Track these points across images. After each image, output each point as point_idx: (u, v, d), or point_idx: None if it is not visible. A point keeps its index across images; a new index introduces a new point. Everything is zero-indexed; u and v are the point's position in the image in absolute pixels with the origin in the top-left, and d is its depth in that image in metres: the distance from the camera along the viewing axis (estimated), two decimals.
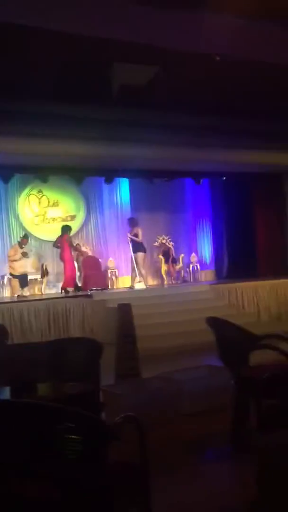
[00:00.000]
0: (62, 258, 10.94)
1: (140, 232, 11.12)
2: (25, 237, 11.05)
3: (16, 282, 10.50)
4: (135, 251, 10.96)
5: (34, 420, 1.93)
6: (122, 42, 6.50)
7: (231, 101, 8.89)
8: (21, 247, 10.73)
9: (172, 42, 6.62)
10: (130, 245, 11.02)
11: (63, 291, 10.52)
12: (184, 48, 6.74)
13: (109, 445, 2.08)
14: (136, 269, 11.01)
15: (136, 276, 11.02)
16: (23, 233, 11.41)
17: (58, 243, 11.02)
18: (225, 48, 6.33)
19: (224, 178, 12.06)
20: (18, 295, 10.23)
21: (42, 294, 11.09)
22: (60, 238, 10.99)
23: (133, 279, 11.13)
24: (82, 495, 1.97)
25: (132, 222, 11.28)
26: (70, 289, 10.53)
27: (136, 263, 10.98)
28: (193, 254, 13.11)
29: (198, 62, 7.50)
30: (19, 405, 1.99)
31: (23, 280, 10.51)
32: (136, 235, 11.05)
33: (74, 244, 11.38)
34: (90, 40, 6.57)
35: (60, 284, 11.12)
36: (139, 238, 11.05)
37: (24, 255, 10.75)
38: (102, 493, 2.04)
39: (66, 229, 11.15)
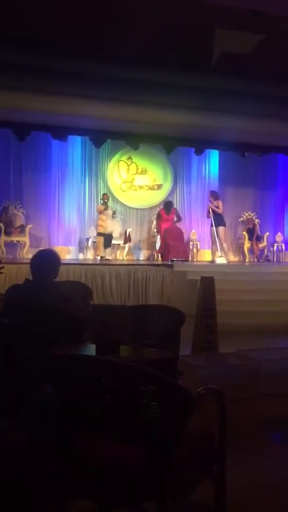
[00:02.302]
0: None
1: (220, 205, 10.98)
2: (105, 194, 11.29)
3: (100, 241, 10.75)
4: (217, 225, 10.86)
5: (123, 379, 1.98)
6: (226, 7, 6.26)
7: None
8: (104, 202, 10.93)
9: (279, 8, 6.28)
10: (212, 218, 10.91)
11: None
12: None
13: (190, 414, 2.08)
14: (217, 243, 10.90)
15: (216, 250, 10.92)
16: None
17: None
18: None
19: None
20: (101, 257, 10.51)
21: (123, 259, 11.30)
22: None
23: (213, 253, 11.04)
24: (158, 459, 2.00)
25: (214, 195, 11.14)
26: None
27: (218, 237, 10.87)
28: (279, 233, 12.71)
29: None
30: (109, 362, 2.04)
31: (108, 239, 10.77)
32: (217, 208, 10.95)
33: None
34: (193, 4, 6.39)
35: (142, 252, 11.28)
36: (220, 210, 10.95)
37: (114, 214, 11.02)
38: (178, 459, 2.06)
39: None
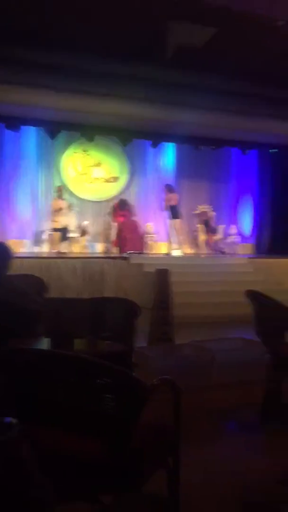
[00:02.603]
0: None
1: (176, 198, 11.12)
2: (59, 186, 11.19)
3: (56, 237, 10.63)
4: (174, 217, 10.97)
5: (76, 372, 1.96)
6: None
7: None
8: (58, 194, 10.83)
9: (235, 2, 6.36)
10: (169, 211, 11.01)
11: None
12: (247, 9, 6.47)
13: (145, 405, 2.09)
14: (173, 235, 11.03)
15: (173, 242, 11.05)
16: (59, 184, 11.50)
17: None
18: None
19: (272, 150, 11.72)
20: (56, 251, 10.38)
21: (80, 252, 11.22)
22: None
23: (170, 245, 11.16)
24: (113, 451, 1.99)
25: (169, 188, 11.26)
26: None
27: (175, 229, 11.00)
28: (233, 226, 12.92)
29: (259, 26, 7.19)
30: (62, 356, 2.02)
31: (65, 233, 10.65)
32: (173, 202, 11.08)
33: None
34: None
35: (98, 245, 11.28)
36: (175, 203, 11.11)
37: (70, 207, 10.92)
38: (134, 452, 2.06)
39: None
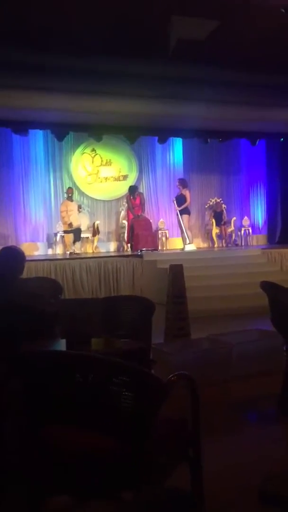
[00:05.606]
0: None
1: (188, 194, 11.08)
2: (70, 188, 11.20)
3: (69, 238, 10.69)
4: (186, 213, 10.98)
5: (93, 372, 1.99)
6: None
7: None
8: (69, 196, 10.86)
9: None
10: (176, 206, 11.02)
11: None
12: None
13: (162, 402, 2.11)
14: (184, 230, 11.04)
15: (185, 237, 11.06)
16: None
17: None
18: None
19: (282, 139, 11.64)
20: (70, 253, 10.45)
21: (93, 252, 11.28)
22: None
23: (184, 240, 11.17)
24: (133, 447, 2.02)
25: (183, 183, 11.23)
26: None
27: (183, 225, 11.02)
28: (245, 218, 12.89)
29: (261, 16, 7.15)
30: (79, 357, 2.05)
31: (77, 234, 10.71)
32: (183, 197, 11.02)
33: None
34: None
35: (112, 244, 11.28)
36: (187, 200, 11.00)
37: (79, 207, 10.96)
38: (155, 447, 2.09)
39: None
